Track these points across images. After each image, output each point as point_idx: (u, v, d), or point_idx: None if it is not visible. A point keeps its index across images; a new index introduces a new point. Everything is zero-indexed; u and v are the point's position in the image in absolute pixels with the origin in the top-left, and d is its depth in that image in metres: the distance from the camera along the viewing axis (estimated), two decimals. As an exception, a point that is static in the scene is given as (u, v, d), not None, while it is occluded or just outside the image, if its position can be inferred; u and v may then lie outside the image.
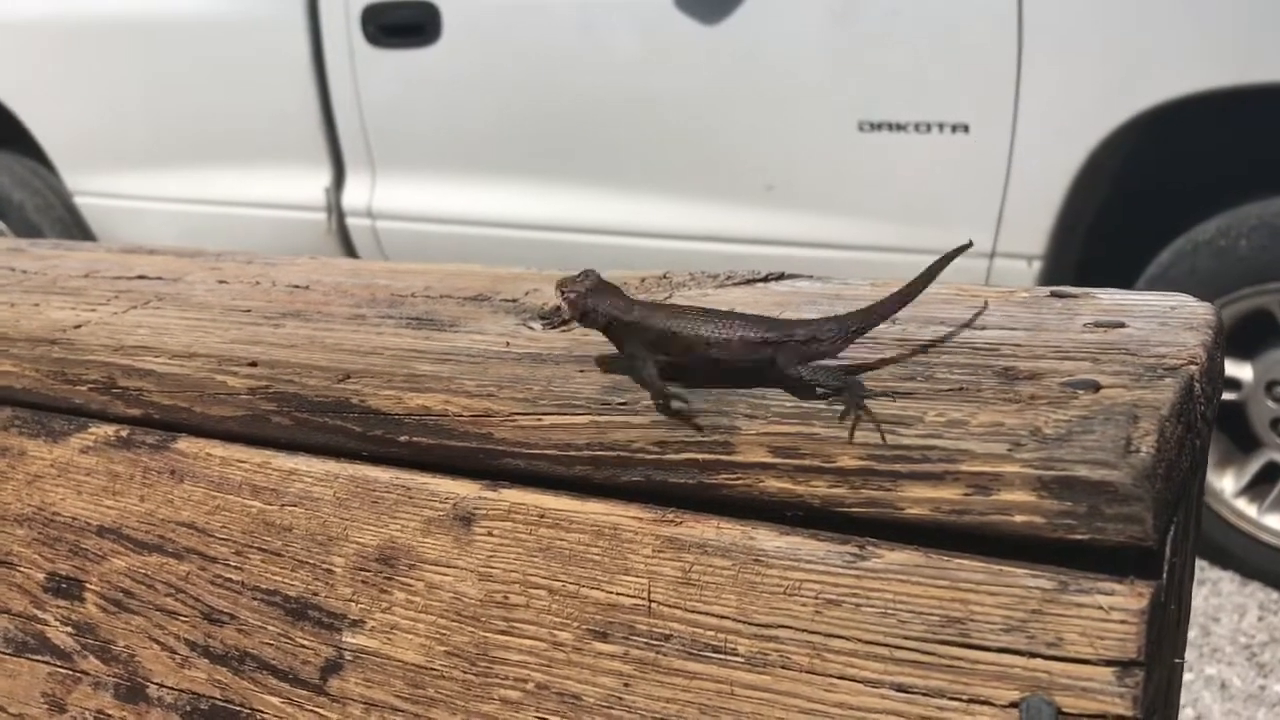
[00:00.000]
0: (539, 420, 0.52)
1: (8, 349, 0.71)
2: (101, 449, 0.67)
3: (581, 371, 0.56)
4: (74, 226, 3.11)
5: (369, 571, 0.56)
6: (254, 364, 0.62)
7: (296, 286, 0.78)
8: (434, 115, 2.52)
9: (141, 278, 0.83)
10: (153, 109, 2.85)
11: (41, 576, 0.69)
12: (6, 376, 0.70)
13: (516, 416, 0.53)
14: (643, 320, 0.52)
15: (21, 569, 0.69)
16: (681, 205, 2.29)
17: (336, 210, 2.72)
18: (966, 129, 2.02)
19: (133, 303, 0.76)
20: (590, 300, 0.53)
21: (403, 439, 0.56)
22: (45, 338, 0.70)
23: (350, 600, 0.57)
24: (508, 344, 0.61)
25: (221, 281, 0.80)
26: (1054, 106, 1.94)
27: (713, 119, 2.22)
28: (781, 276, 0.68)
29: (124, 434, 0.66)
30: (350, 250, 2.75)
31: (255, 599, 0.60)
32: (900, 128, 2.08)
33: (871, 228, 2.15)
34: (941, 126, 2.03)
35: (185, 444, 0.64)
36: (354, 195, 2.69)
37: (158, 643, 0.64)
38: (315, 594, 0.58)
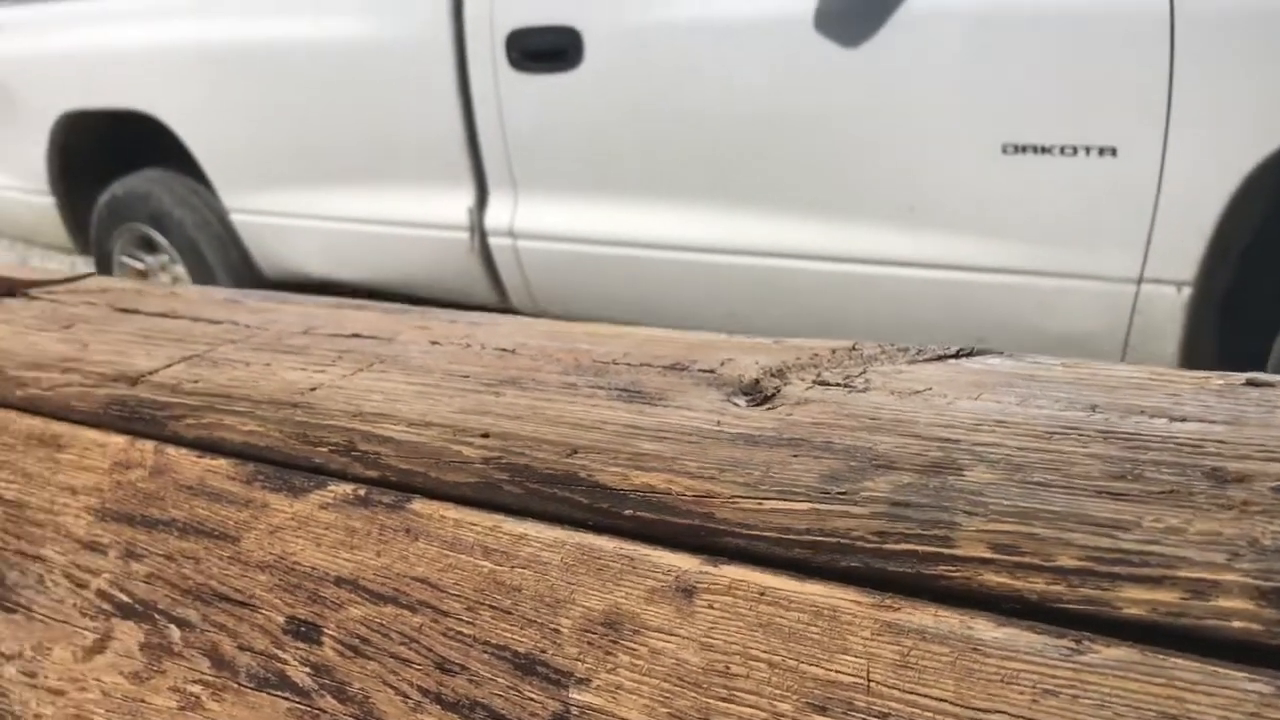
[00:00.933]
0: (760, 504, 0.57)
1: (253, 410, 0.79)
2: (340, 506, 0.74)
3: (795, 456, 0.60)
4: (229, 243, 3.29)
5: (595, 634, 0.62)
6: (486, 435, 0.68)
7: (504, 350, 0.84)
8: (575, 138, 2.60)
9: (357, 336, 0.91)
10: (304, 130, 3.00)
11: (281, 619, 0.76)
12: (252, 435, 0.78)
13: (738, 499, 0.57)
14: None
15: (263, 611, 0.77)
16: (823, 226, 2.31)
17: (479, 230, 2.82)
18: (1114, 152, 1.99)
19: (357, 365, 0.84)
20: None
21: (627, 513, 0.61)
22: (286, 400, 0.78)
23: (576, 659, 0.62)
24: (718, 422, 0.66)
25: (434, 343, 0.87)
26: (1207, 128, 1.90)
27: (854, 141, 2.24)
28: (972, 353, 0.71)
29: (361, 493, 0.73)
30: (491, 267, 2.85)
31: (485, 652, 0.66)
32: (1045, 150, 2.07)
33: (1015, 250, 2.15)
34: (1088, 149, 2.01)
35: (420, 505, 0.71)
36: (496, 215, 2.79)
37: (391, 687, 0.70)
38: (543, 651, 0.63)
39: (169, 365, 0.87)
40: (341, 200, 2.99)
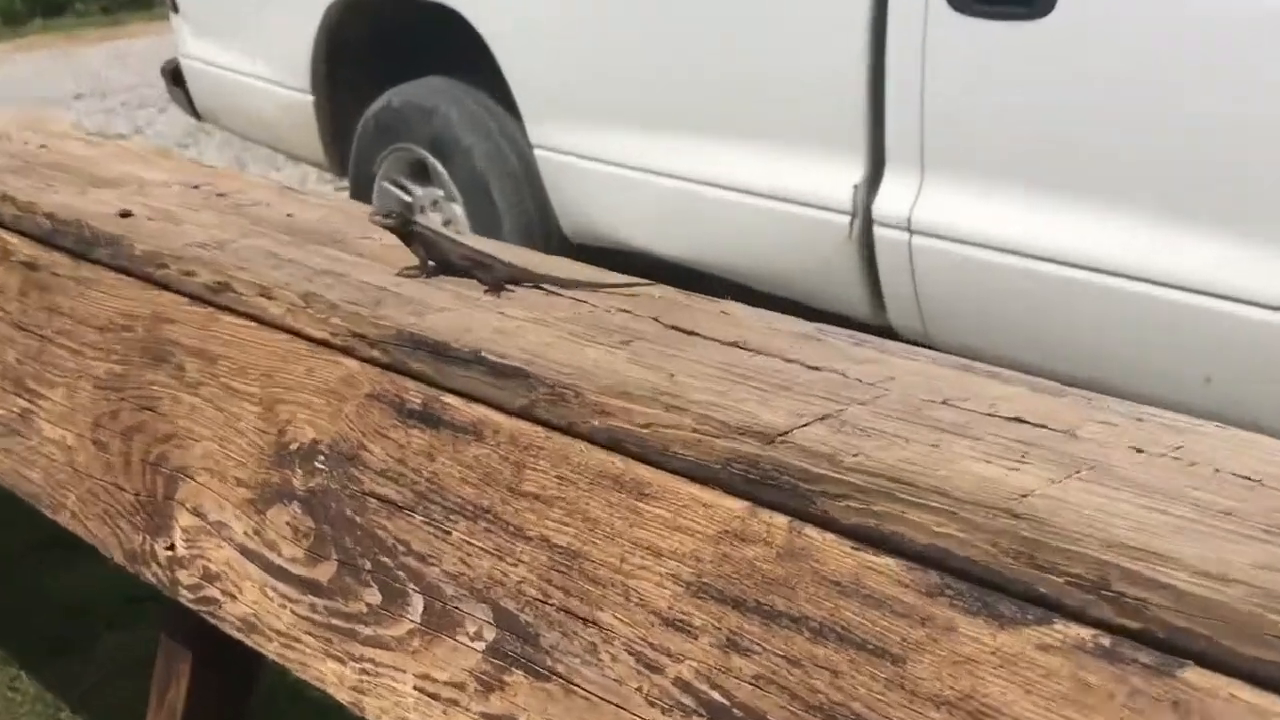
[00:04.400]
0: None
1: (953, 510, 0.85)
2: (1070, 652, 0.79)
3: None
4: (527, 186, 3.45)
5: None
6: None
7: (1248, 480, 0.88)
8: (1025, 110, 2.58)
9: (1020, 421, 0.97)
10: (650, 54, 3.12)
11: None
12: (948, 541, 0.85)
13: None
14: None
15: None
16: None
17: (863, 214, 2.85)
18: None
19: (1056, 467, 0.89)
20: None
21: None
22: (998, 505, 0.84)
23: None
24: None
25: (1137, 449, 0.92)
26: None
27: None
28: None
29: (1106, 643, 0.78)
30: (871, 268, 2.89)
31: None
32: None
33: None
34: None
35: (1197, 676, 0.75)
36: (890, 199, 2.81)
37: None
38: None
39: (803, 424, 0.95)
40: (684, 152, 3.09)
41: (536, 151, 3.40)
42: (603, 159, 3.20)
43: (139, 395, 1.37)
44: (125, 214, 1.45)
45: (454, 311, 1.19)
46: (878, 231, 2.83)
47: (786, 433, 0.94)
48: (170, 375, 1.35)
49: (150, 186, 1.61)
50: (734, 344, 1.11)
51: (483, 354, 1.10)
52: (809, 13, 2.84)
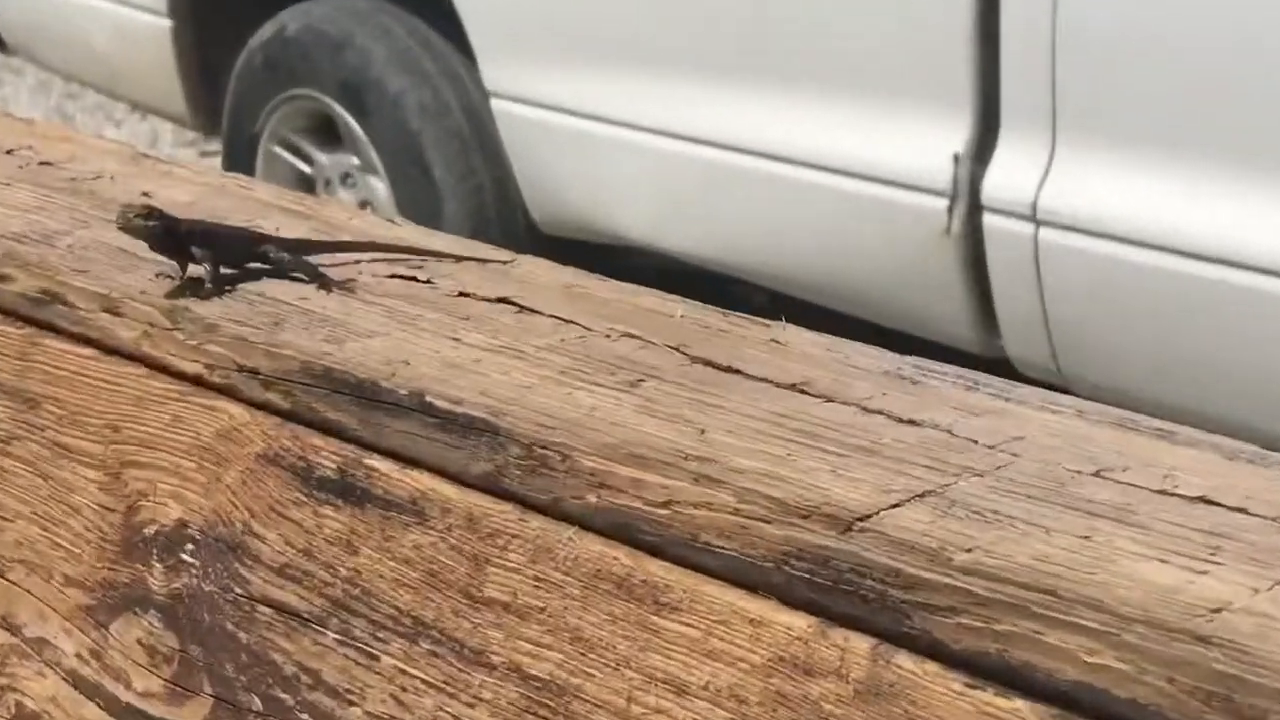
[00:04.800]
0: None
1: (1116, 632, 0.85)
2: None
3: None
4: (476, 147, 3.47)
5: None
6: None
7: None
8: (1213, 51, 2.58)
9: (1207, 501, 0.97)
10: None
11: None
12: (1104, 675, 0.85)
13: None
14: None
15: None
16: None
17: (967, 197, 2.87)
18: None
19: (1253, 570, 0.90)
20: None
21: None
22: (1175, 625, 0.84)
23: None
24: None
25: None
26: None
27: None
28: None
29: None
30: (977, 274, 2.90)
31: None
32: None
33: None
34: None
35: None
36: (1006, 176, 2.83)
37: None
38: None
39: (894, 504, 0.95)
40: (703, 107, 3.10)
41: (495, 102, 3.42)
42: (594, 114, 3.21)
43: (-80, 454, 1.37)
44: (-97, 188, 1.45)
45: (386, 336, 1.20)
46: (988, 221, 2.84)
47: (870, 516, 0.94)
48: (-33, 426, 1.34)
49: (-60, 152, 1.62)
50: (792, 386, 1.12)
51: (428, 398, 1.10)
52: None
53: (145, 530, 1.23)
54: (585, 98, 3.22)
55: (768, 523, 0.96)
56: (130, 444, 1.25)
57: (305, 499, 1.15)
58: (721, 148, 3.07)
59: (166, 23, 3.91)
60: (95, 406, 1.28)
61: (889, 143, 2.95)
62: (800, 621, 0.95)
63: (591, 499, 1.03)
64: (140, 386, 1.26)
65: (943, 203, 2.90)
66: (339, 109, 3.63)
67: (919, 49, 2.89)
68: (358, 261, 1.35)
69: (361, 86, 3.56)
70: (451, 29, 3.46)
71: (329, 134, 3.67)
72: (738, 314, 1.27)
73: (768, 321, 1.24)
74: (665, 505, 1.00)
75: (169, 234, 1.27)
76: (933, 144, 2.91)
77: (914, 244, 2.96)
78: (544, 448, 1.05)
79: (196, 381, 1.23)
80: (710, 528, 0.98)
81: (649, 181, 3.18)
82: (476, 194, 3.47)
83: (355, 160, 3.61)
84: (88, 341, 1.29)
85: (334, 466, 1.14)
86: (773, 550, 0.96)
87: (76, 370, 1.30)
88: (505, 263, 1.37)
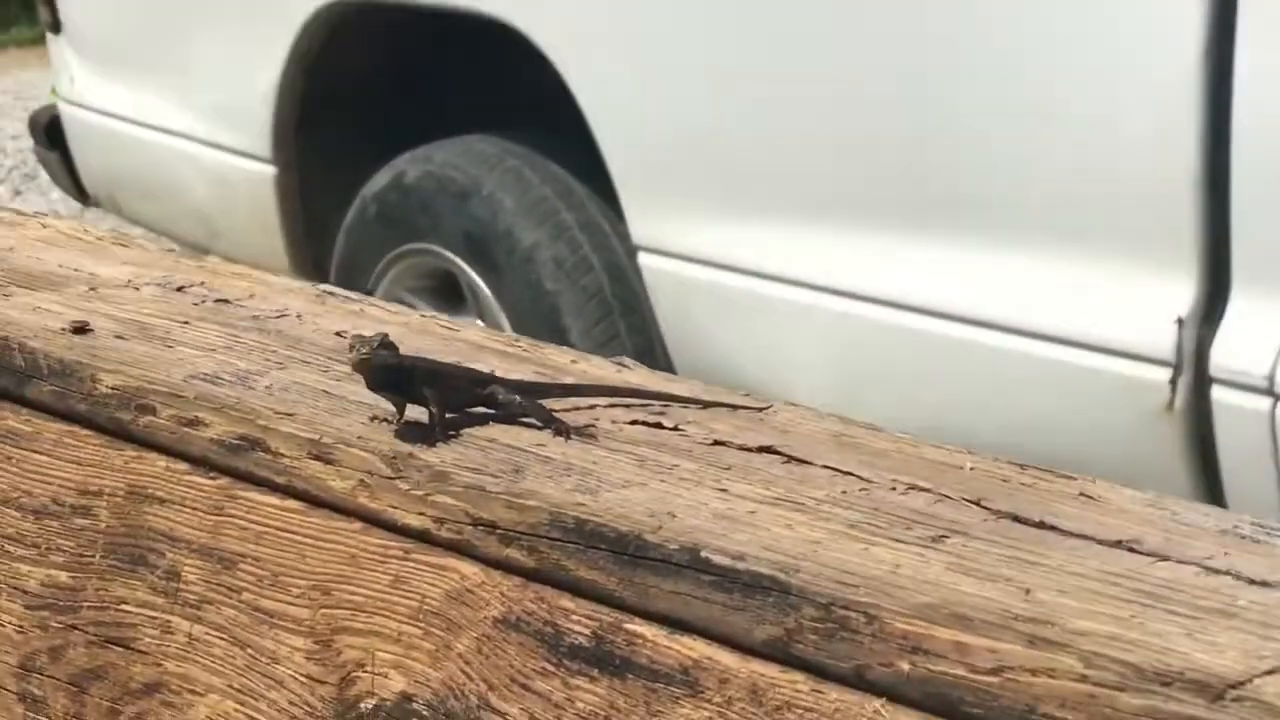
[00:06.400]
0: None
1: None
2: None
3: None
4: (616, 307, 3.49)
5: None
6: None
7: None
8: None
9: None
10: (820, 120, 3.17)
11: None
12: None
13: None
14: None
15: None
16: None
17: (1194, 369, 2.85)
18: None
19: None
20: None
21: None
22: None
23: None
24: None
25: None
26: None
27: None
28: None
29: None
30: (1205, 458, 2.87)
31: None
32: None
33: None
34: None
35: None
36: (1239, 342, 2.81)
37: None
38: None
39: (1267, 669, 0.95)
40: (891, 265, 3.10)
41: (643, 258, 3.44)
42: (765, 273, 3.22)
43: (101, 621, 1.38)
44: (80, 328, 1.48)
45: (643, 486, 1.21)
46: (1218, 396, 2.82)
47: (1243, 683, 0.94)
48: (155, 588, 1.36)
49: (110, 287, 1.65)
50: (1118, 543, 1.12)
51: (704, 554, 1.11)
52: (1077, 45, 2.87)
53: (363, 705, 1.23)
54: (755, 253, 3.23)
55: (1122, 690, 0.96)
56: (343, 608, 1.26)
57: (554, 669, 1.15)
58: (913, 312, 3.08)
59: (269, 169, 3.98)
60: (301, 566, 1.29)
61: (1100, 306, 2.95)
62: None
63: (904, 666, 1.02)
64: (355, 543, 1.27)
65: (1163, 374, 2.89)
66: (463, 265, 3.66)
67: (1135, 197, 2.89)
68: (592, 407, 1.36)
69: (489, 240, 3.59)
70: (593, 173, 3.49)
71: (451, 294, 3.71)
72: (1036, 466, 1.27)
73: (1072, 474, 1.25)
74: (995, 672, 0.99)
75: (391, 371, 1.28)
76: (1152, 307, 2.89)
77: (1130, 420, 2.94)
78: (845, 608, 1.05)
79: (422, 537, 1.23)
80: (1050, 698, 0.98)
81: (829, 350, 3.18)
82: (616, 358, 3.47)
83: (480, 323, 3.63)
84: (293, 493, 1.31)
85: (588, 632, 1.15)
86: (1128, 723, 0.95)
87: (280, 525, 1.31)
88: (759, 409, 1.38)
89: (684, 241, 3.36)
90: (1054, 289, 2.99)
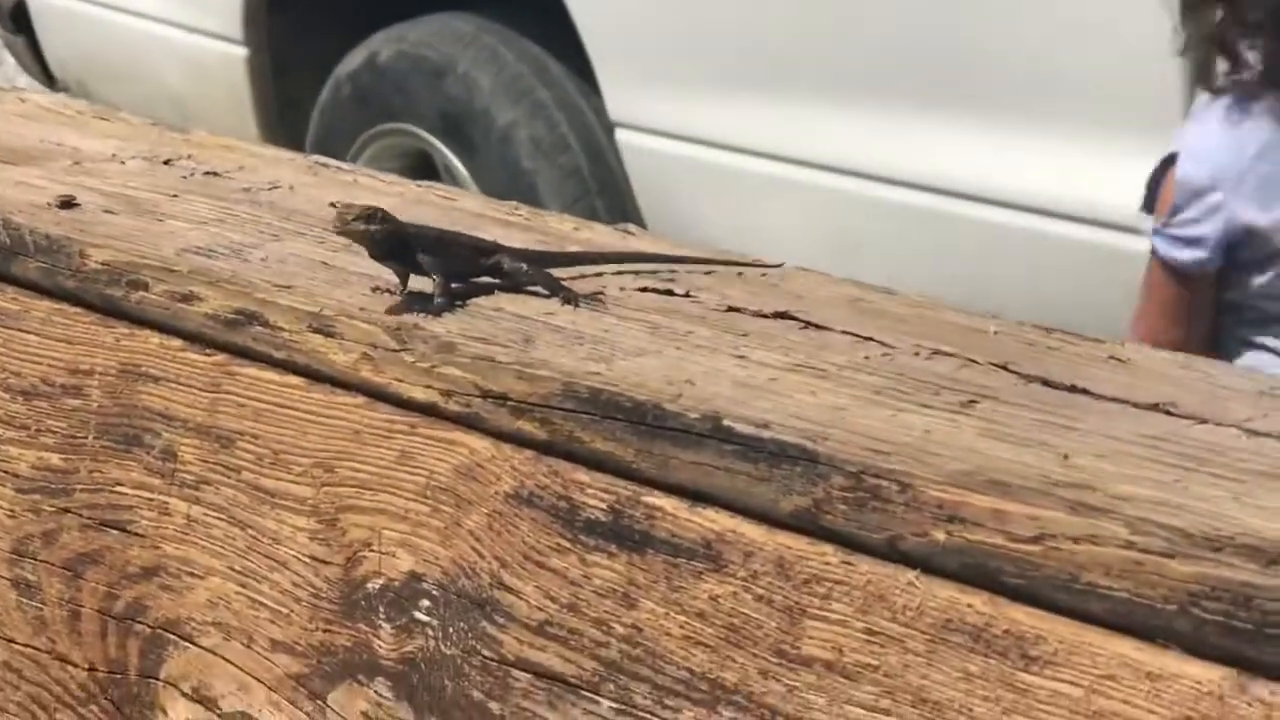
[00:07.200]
0: None
1: None
2: None
3: None
4: (594, 186, 3.46)
5: None
6: None
7: None
8: None
9: None
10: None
11: None
12: None
13: None
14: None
15: None
16: None
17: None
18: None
19: None
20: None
21: None
22: None
23: None
24: None
25: None
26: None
27: None
28: None
29: None
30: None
31: None
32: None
33: None
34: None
35: None
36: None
37: None
38: None
39: (1319, 533, 0.92)
40: (876, 138, 3.06)
41: (621, 134, 3.41)
42: (745, 147, 3.18)
43: (96, 504, 1.36)
44: (67, 202, 1.45)
45: (658, 354, 1.17)
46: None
47: (1299, 548, 0.90)
48: (151, 469, 1.33)
49: (94, 161, 1.61)
50: (1154, 406, 1.09)
51: (726, 422, 1.07)
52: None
53: (369, 585, 1.21)
54: (735, 128, 3.20)
55: (1170, 557, 0.92)
56: (347, 486, 1.23)
57: (569, 545, 1.12)
58: (898, 184, 3.04)
59: (241, 51, 3.93)
60: (303, 443, 1.26)
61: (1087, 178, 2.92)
62: (1212, 674, 0.91)
63: (939, 536, 0.99)
64: (358, 418, 1.24)
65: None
66: (439, 145, 3.62)
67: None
68: (599, 274, 1.33)
69: (465, 120, 3.55)
70: (570, 51, 3.45)
71: (427, 174, 3.66)
72: (1062, 330, 1.24)
73: (1101, 338, 1.22)
74: (1036, 540, 0.96)
75: (393, 240, 1.24)
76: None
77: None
78: (877, 476, 1.01)
79: (429, 411, 1.20)
80: (1094, 566, 0.94)
81: (810, 224, 3.14)
82: (597, 240, 3.45)
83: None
84: (293, 368, 1.27)
85: (604, 506, 1.11)
86: (1177, 590, 0.92)
87: (279, 402, 1.28)
88: (769, 269, 1.35)
89: (662, 117, 3.33)
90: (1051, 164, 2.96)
